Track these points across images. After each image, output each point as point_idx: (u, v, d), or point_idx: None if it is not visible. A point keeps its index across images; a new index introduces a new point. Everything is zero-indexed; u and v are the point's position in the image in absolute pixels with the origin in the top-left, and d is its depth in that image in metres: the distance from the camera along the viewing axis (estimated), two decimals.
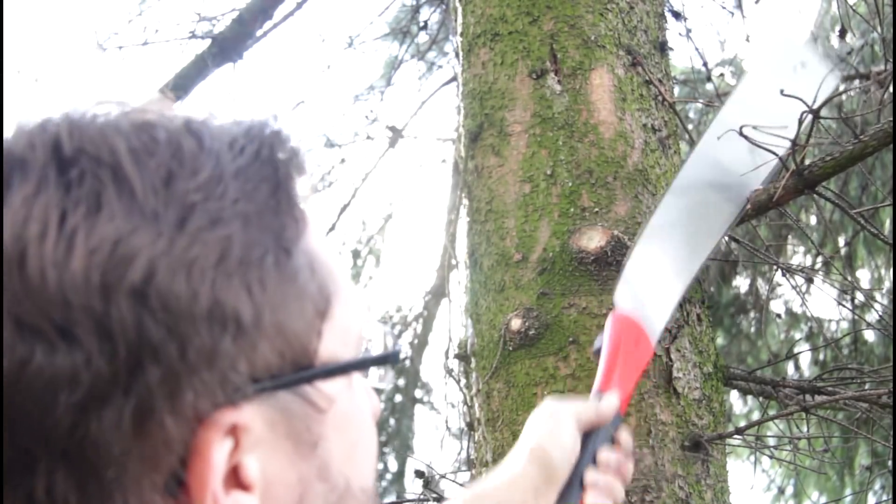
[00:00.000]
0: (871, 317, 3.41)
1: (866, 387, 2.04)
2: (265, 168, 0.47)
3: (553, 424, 0.90)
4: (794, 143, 1.41)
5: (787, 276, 2.26)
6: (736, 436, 1.71)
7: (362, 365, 0.51)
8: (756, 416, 4.10)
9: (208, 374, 0.43)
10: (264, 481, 0.46)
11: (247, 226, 0.44)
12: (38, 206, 0.41)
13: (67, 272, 0.41)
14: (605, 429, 0.92)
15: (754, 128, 1.31)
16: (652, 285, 1.14)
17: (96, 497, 0.42)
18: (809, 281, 2.54)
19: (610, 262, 1.62)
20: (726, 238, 1.92)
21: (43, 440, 0.41)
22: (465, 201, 1.83)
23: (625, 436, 0.95)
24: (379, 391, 0.60)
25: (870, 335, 3.88)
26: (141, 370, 0.41)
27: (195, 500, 0.43)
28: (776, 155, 1.35)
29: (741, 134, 1.29)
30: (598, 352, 1.02)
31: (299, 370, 0.47)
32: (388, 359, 0.52)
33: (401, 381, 4.70)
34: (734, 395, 4.12)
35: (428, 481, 2.13)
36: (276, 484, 0.46)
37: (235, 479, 0.45)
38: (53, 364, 0.40)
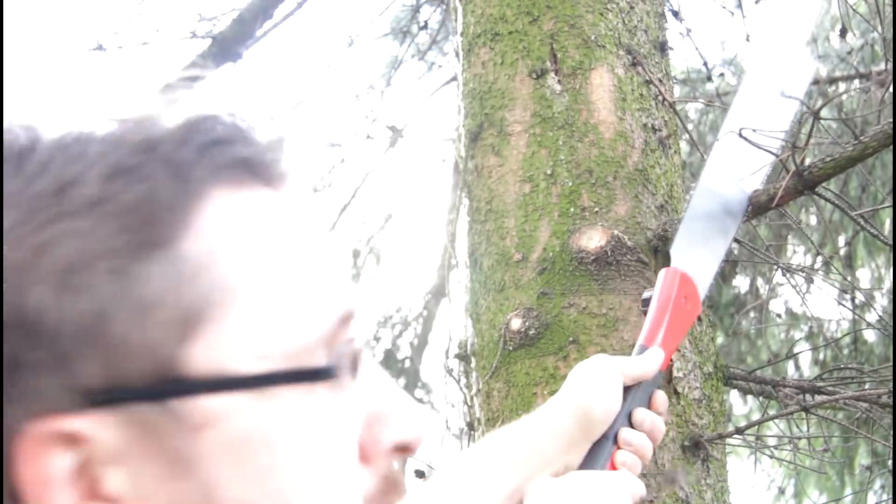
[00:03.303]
0: (871, 317, 3.41)
1: (866, 387, 2.04)
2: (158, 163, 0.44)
3: (601, 381, 0.88)
4: (794, 143, 1.41)
5: (787, 276, 2.26)
6: (736, 436, 1.71)
7: (266, 381, 0.45)
8: (756, 416, 4.10)
9: (11, 385, 0.41)
10: (135, 496, 0.43)
11: (92, 230, 0.42)
12: None
13: None
14: (644, 386, 0.91)
15: (754, 130, 1.31)
16: (700, 250, 1.14)
17: None
18: (809, 281, 2.54)
19: (610, 262, 1.62)
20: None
21: None
22: (465, 201, 1.83)
23: (661, 396, 0.93)
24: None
25: (870, 335, 3.89)
26: None
27: None
28: (776, 155, 1.35)
29: (740, 135, 1.29)
30: (646, 301, 1.00)
31: (163, 383, 0.43)
32: (307, 375, 0.46)
33: (401, 382, 4.70)
34: (734, 395, 4.12)
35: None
36: (149, 500, 0.44)
37: (93, 492, 0.43)
38: None
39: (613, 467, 0.86)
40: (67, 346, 0.42)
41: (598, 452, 0.86)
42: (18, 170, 0.43)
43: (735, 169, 1.33)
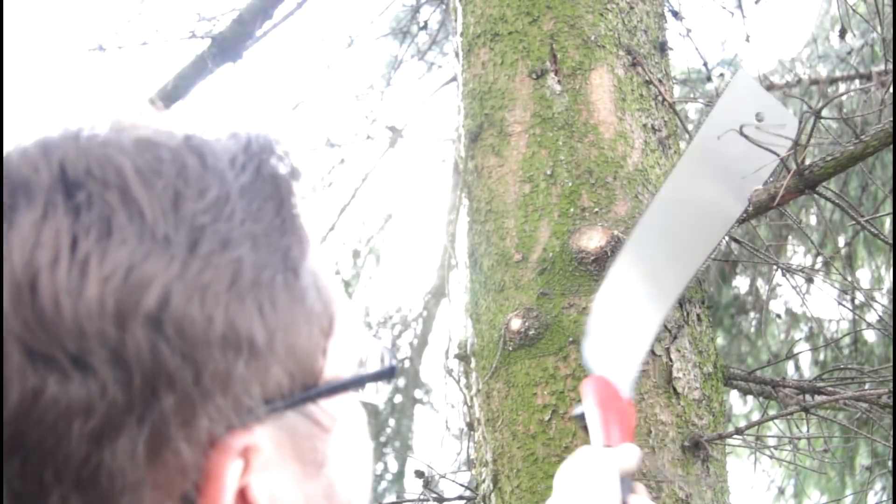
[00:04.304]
0: (871, 317, 3.41)
1: (866, 387, 2.04)
2: (267, 185, 0.47)
3: (601, 476, 0.90)
4: (794, 143, 1.41)
5: (787, 276, 2.26)
6: (736, 436, 1.71)
7: (362, 382, 0.51)
8: (756, 416, 4.10)
9: (222, 398, 0.42)
10: (271, 502, 0.45)
11: (256, 247, 0.44)
12: (48, 231, 0.41)
13: (81, 300, 0.40)
14: (627, 479, 0.94)
15: (757, 127, 1.31)
16: (615, 346, 1.19)
17: None
18: (809, 281, 2.54)
19: (610, 262, 1.62)
20: (726, 238, 1.92)
21: (56, 469, 0.40)
22: (465, 201, 1.83)
23: (640, 486, 0.96)
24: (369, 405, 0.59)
25: (870, 335, 3.88)
26: (156, 398, 0.40)
27: None
28: (776, 154, 1.35)
29: (741, 133, 1.29)
30: (581, 417, 1.05)
31: (306, 390, 0.46)
32: (385, 374, 0.52)
33: (401, 382, 4.70)
34: (734, 395, 4.12)
35: (428, 481, 2.12)
36: (282, 503, 0.46)
37: (243, 498, 0.44)
38: (67, 393, 0.39)
39: None
40: (267, 359, 0.44)
41: None
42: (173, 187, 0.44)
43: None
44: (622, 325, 1.22)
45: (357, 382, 0.50)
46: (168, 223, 0.42)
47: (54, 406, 0.39)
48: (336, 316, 0.49)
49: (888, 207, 3.38)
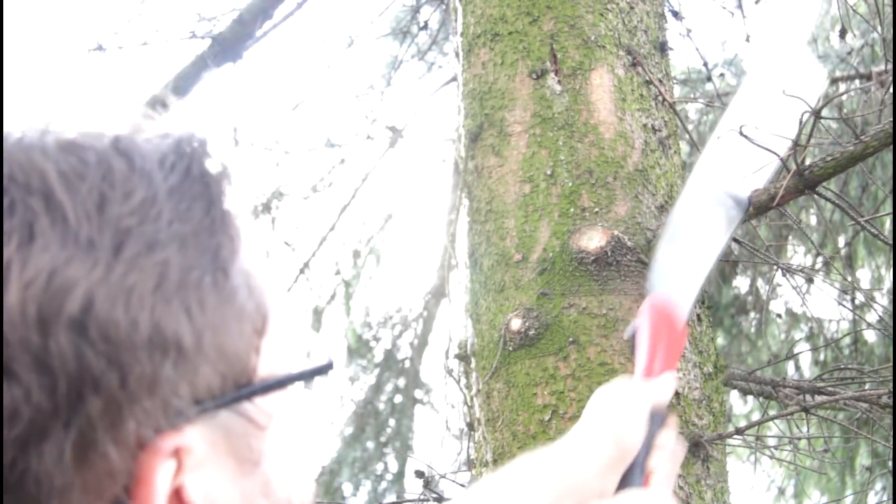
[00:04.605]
0: (871, 317, 3.41)
1: (866, 387, 2.04)
2: (197, 185, 0.46)
3: (631, 407, 0.89)
4: (795, 143, 1.41)
5: (787, 276, 2.26)
6: (736, 436, 1.71)
7: (298, 378, 0.50)
8: (756, 416, 4.10)
9: (150, 401, 0.42)
10: (207, 501, 0.45)
11: (183, 248, 0.44)
12: None
13: (3, 307, 0.40)
14: (660, 412, 0.93)
15: (756, 128, 1.31)
16: (679, 273, 1.15)
17: None
18: (809, 281, 2.54)
19: (610, 262, 1.62)
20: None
21: None
22: (465, 201, 1.83)
23: (672, 418, 0.95)
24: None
25: (870, 335, 3.88)
26: (81, 402, 0.40)
27: None
28: (777, 155, 1.35)
29: (741, 134, 1.29)
30: (631, 338, 1.02)
31: (239, 388, 0.46)
32: (321, 370, 0.51)
33: (401, 382, 4.70)
34: (734, 395, 4.12)
35: (428, 481, 2.12)
36: (219, 502, 0.46)
37: (178, 499, 0.44)
38: None
39: None
40: (196, 361, 0.43)
41: (631, 478, 0.87)
42: (94, 189, 0.43)
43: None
44: (687, 250, 1.19)
45: (291, 379, 0.50)
46: (92, 227, 0.42)
47: None
48: (270, 314, 0.48)
49: (888, 207, 3.38)
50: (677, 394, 1.59)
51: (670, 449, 0.91)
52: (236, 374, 0.46)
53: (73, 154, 0.44)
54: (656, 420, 0.91)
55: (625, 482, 0.87)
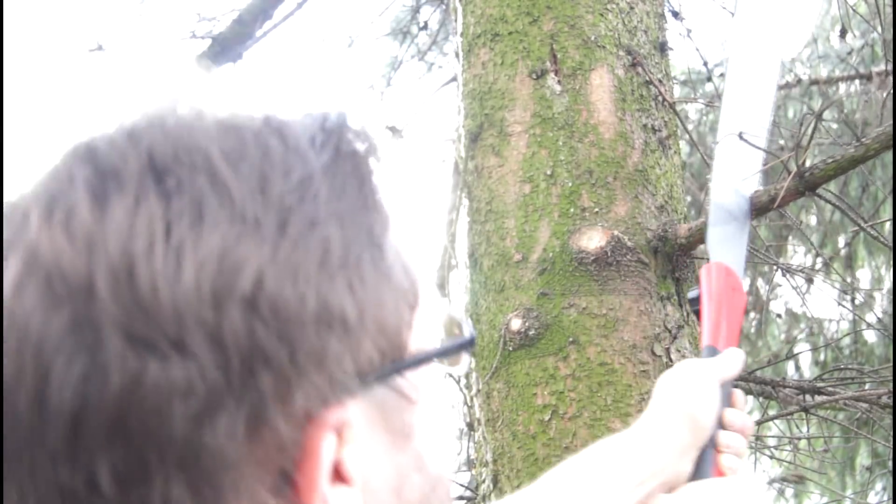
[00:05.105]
0: (871, 317, 3.42)
1: (866, 387, 2.04)
2: (347, 163, 0.47)
3: (703, 386, 0.89)
4: (796, 144, 1.41)
5: (787, 276, 2.26)
6: None
7: (446, 353, 0.52)
8: (756, 416, 4.09)
9: (318, 375, 0.43)
10: (364, 475, 0.46)
11: (342, 225, 0.45)
12: (141, 218, 0.41)
13: (178, 286, 0.40)
14: (727, 388, 0.92)
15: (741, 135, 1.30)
16: (731, 241, 1.14)
17: (211, 502, 0.42)
18: (809, 281, 2.54)
19: (610, 262, 1.62)
20: None
21: (159, 451, 0.41)
22: (465, 201, 1.83)
23: (740, 394, 0.94)
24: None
25: (870, 335, 3.88)
26: (253, 378, 0.41)
27: (303, 497, 0.44)
28: (777, 157, 1.35)
29: (741, 137, 1.29)
30: (695, 301, 1.02)
31: (394, 363, 0.47)
32: (466, 344, 0.53)
33: None
34: None
35: None
36: (374, 477, 0.47)
37: (337, 473, 0.45)
38: (168, 376, 0.40)
39: (720, 473, 0.87)
40: (359, 335, 0.44)
41: (706, 458, 0.86)
42: (255, 167, 0.44)
43: (735, 171, 1.33)
44: (731, 226, 1.18)
45: (441, 353, 0.51)
46: (257, 205, 0.43)
47: (155, 389, 0.40)
48: (420, 290, 0.50)
49: (888, 208, 3.38)
50: None
51: (739, 427, 0.90)
52: (392, 349, 0.47)
53: (232, 134, 0.45)
54: (724, 395, 0.90)
55: (698, 468, 0.86)
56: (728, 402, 0.91)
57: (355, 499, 0.45)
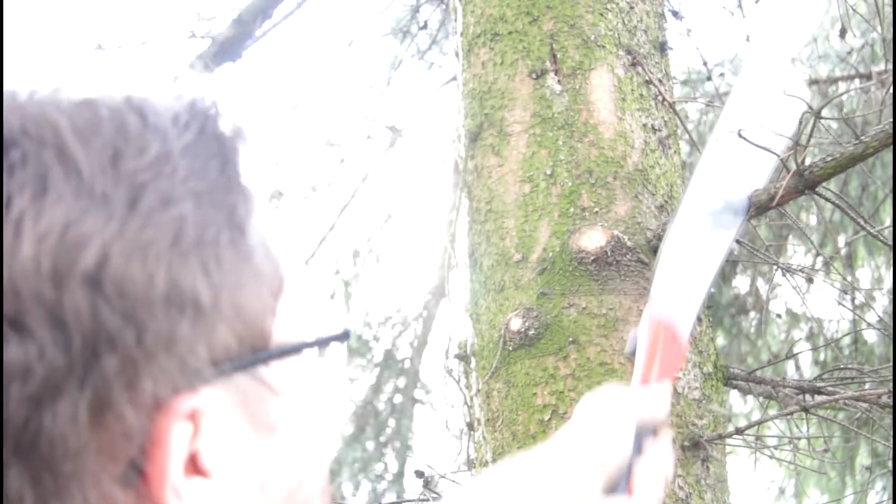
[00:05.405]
0: (871, 317, 3.41)
1: (866, 387, 2.04)
2: (211, 144, 0.45)
3: (615, 417, 0.86)
4: (795, 143, 1.41)
5: (787, 276, 2.26)
6: (736, 436, 1.71)
7: (315, 344, 0.49)
8: (756, 416, 4.10)
9: (167, 359, 0.41)
10: (223, 467, 0.44)
11: (199, 204, 0.43)
12: None
13: (16, 261, 0.39)
14: (651, 422, 0.91)
15: (752, 128, 1.30)
16: (680, 287, 1.13)
17: (52, 492, 0.40)
18: (809, 281, 2.54)
19: (610, 262, 1.62)
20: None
21: None
22: (465, 201, 1.83)
23: (665, 427, 0.93)
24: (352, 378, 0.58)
25: (870, 335, 3.88)
26: (97, 360, 0.39)
27: (153, 489, 0.42)
28: (776, 155, 1.35)
29: (740, 136, 1.29)
30: (633, 353, 1.01)
31: (256, 352, 0.45)
32: (338, 338, 0.50)
33: (401, 382, 4.70)
34: (734, 395, 4.12)
35: (428, 481, 2.12)
36: (235, 470, 0.45)
37: (193, 465, 0.43)
38: (4, 356, 0.38)
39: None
40: (213, 319, 0.43)
41: (614, 487, 0.86)
42: (109, 144, 0.42)
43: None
44: (687, 264, 1.17)
45: (307, 345, 0.49)
46: (106, 180, 0.41)
47: None
48: (286, 277, 0.48)
49: (888, 207, 3.38)
50: (677, 393, 1.59)
51: (657, 460, 0.88)
52: (253, 336, 0.45)
53: (87, 109, 0.43)
54: (646, 430, 0.90)
55: (610, 491, 0.86)
56: (651, 434, 0.87)
57: (212, 492, 0.43)
